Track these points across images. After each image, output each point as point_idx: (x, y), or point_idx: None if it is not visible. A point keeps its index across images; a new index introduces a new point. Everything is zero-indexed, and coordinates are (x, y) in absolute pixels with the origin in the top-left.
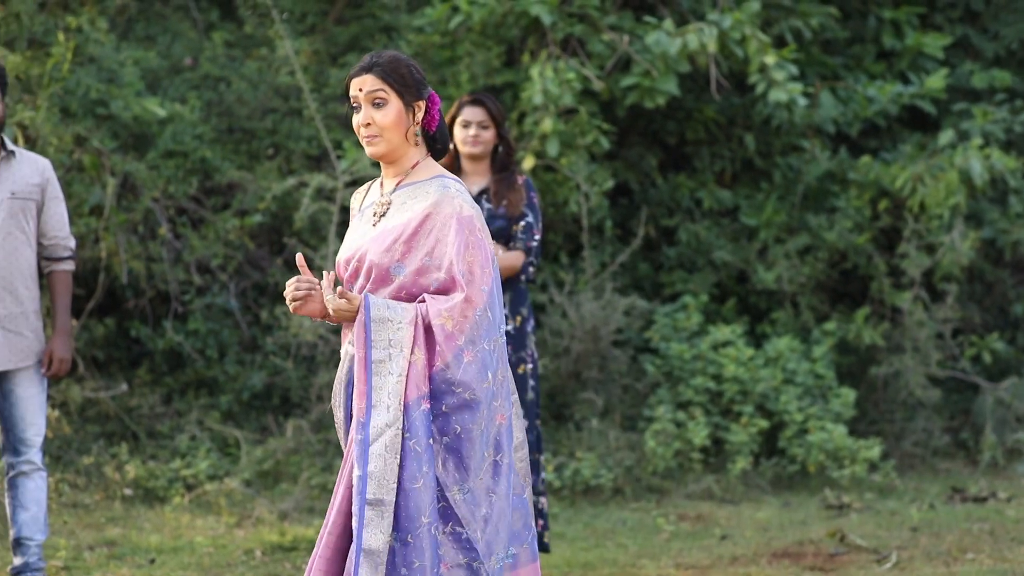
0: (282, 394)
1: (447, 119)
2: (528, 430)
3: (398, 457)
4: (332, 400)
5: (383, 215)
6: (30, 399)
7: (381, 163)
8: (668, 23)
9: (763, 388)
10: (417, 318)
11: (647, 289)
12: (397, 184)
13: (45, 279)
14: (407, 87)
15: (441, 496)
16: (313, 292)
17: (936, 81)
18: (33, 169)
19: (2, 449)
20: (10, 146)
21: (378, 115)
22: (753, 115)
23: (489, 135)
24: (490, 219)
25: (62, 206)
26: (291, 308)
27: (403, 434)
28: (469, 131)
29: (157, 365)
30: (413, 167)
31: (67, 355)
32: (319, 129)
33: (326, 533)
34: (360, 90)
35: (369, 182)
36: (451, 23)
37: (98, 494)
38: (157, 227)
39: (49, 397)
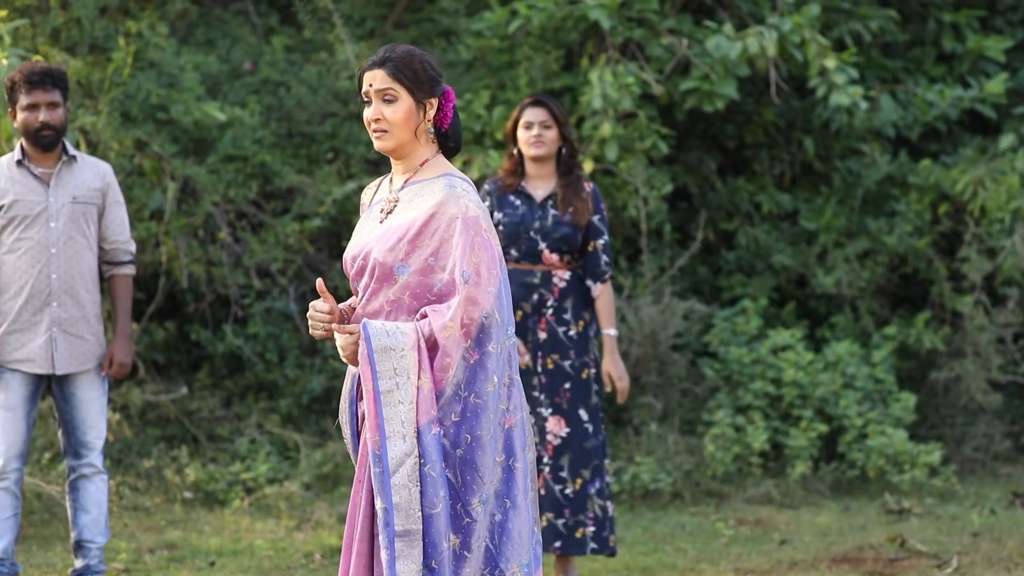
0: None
1: (509, 124)
2: (593, 435)
3: (419, 485)
4: (340, 416)
5: (390, 212)
6: (91, 402)
7: (391, 159)
8: (728, 27)
9: (823, 392)
10: (419, 341)
11: (706, 293)
12: (405, 181)
13: (106, 283)
14: (419, 84)
15: (463, 512)
16: (329, 324)
17: (996, 85)
18: (94, 174)
19: (63, 452)
20: (71, 151)
21: (388, 111)
22: (813, 118)
23: (552, 135)
24: (555, 225)
25: (123, 210)
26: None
27: (419, 460)
28: (532, 131)
29: (217, 369)
30: (422, 164)
31: (127, 359)
32: None
33: (353, 558)
34: (371, 85)
35: (380, 178)
36: (510, 27)
37: (158, 497)
38: (217, 231)
39: (110, 400)
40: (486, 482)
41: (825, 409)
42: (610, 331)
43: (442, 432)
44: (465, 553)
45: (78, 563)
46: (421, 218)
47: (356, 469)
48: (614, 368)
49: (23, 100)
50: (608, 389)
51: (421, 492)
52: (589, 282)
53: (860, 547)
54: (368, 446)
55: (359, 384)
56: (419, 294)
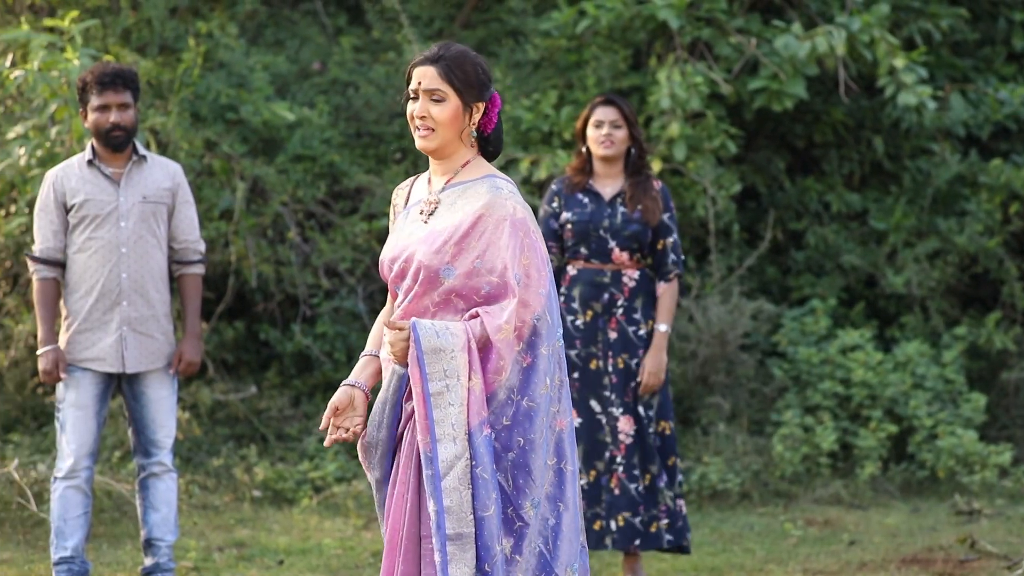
0: None
1: (579, 122)
2: (660, 433)
3: (470, 488)
4: (371, 419)
5: (431, 214)
6: (161, 401)
7: (430, 158)
8: (796, 26)
9: (892, 393)
10: (469, 342)
11: (774, 293)
12: (447, 182)
13: (175, 282)
14: (469, 87)
15: (515, 516)
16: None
17: None
18: (164, 174)
19: (133, 451)
20: (142, 151)
21: (435, 109)
22: (882, 118)
23: (622, 135)
24: (624, 223)
25: (192, 210)
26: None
27: (470, 463)
28: (601, 131)
29: (286, 368)
30: (464, 165)
31: (196, 358)
32: None
33: (399, 563)
34: (420, 82)
35: (411, 178)
36: (578, 27)
37: (227, 496)
38: (286, 231)
39: (180, 399)
40: (538, 485)
41: (895, 409)
42: (662, 326)
43: (493, 435)
44: (517, 557)
45: (148, 561)
46: (468, 220)
47: (400, 470)
48: (651, 361)
49: (94, 101)
50: (637, 379)
51: (474, 494)
52: (657, 280)
53: (930, 548)
54: (419, 448)
55: (406, 384)
56: (466, 296)
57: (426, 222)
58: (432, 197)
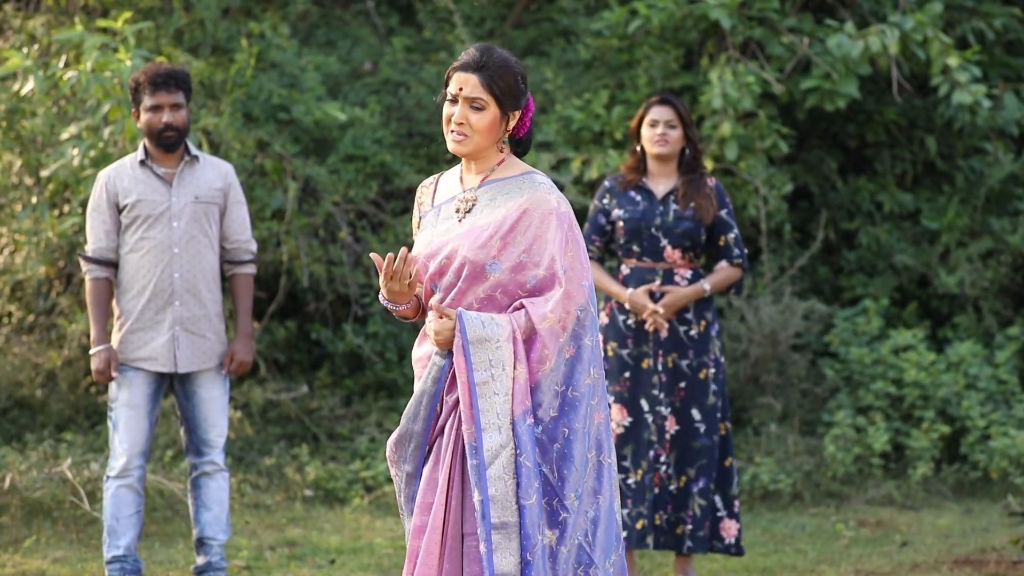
0: None
1: (634, 121)
2: (705, 435)
3: (515, 477)
4: (407, 411)
5: (468, 211)
6: (213, 400)
7: (462, 158)
8: (849, 25)
9: (945, 393)
10: (514, 332)
11: (826, 293)
12: (483, 180)
13: (227, 282)
14: (509, 96)
15: (559, 507)
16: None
17: None
18: (216, 174)
19: (185, 450)
20: (194, 151)
21: (473, 117)
22: (935, 117)
23: (676, 135)
24: (676, 221)
25: (244, 210)
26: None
27: (515, 451)
28: (656, 130)
29: (337, 367)
30: (499, 163)
31: (248, 357)
32: None
33: (444, 561)
34: (461, 89)
35: (434, 177)
36: (630, 26)
37: (279, 495)
38: (337, 231)
39: (232, 399)
40: (581, 475)
41: (947, 410)
42: (705, 285)
43: (538, 426)
44: (561, 548)
45: (200, 560)
46: (513, 215)
47: (443, 465)
48: (676, 299)
49: (147, 101)
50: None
51: (518, 483)
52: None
53: (982, 549)
54: (464, 438)
55: (446, 376)
56: (511, 291)
57: (462, 219)
58: (468, 194)
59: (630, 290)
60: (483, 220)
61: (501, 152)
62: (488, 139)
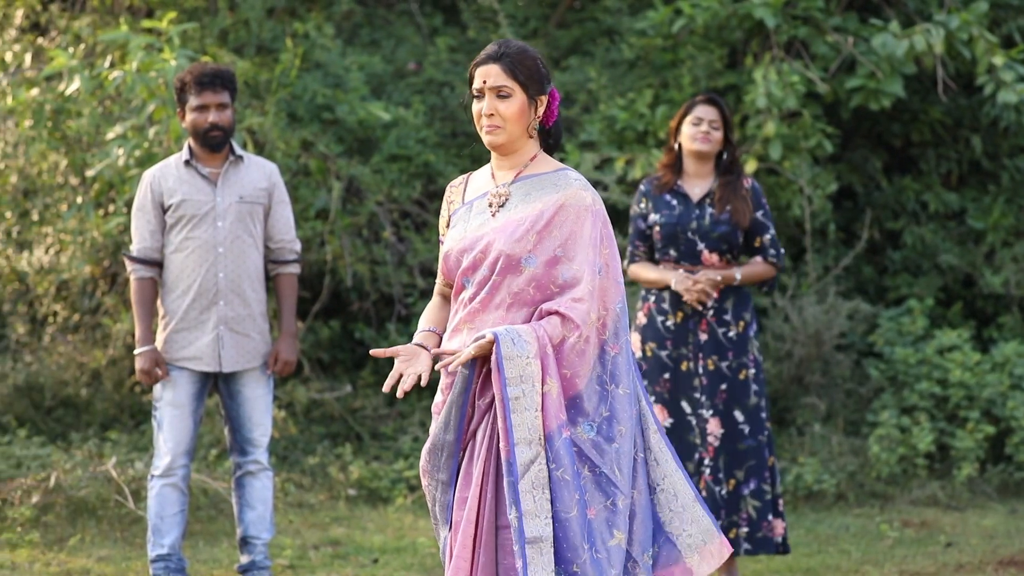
0: None
1: (675, 119)
2: (750, 435)
3: (547, 491)
4: (439, 422)
5: (502, 206)
6: (257, 400)
7: (495, 154)
8: (894, 24)
9: (990, 393)
10: (542, 348)
11: (871, 293)
12: (516, 175)
13: (271, 282)
14: (533, 81)
15: (611, 507)
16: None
17: None
18: (260, 173)
19: (229, 449)
20: (238, 151)
21: (502, 106)
22: (980, 116)
23: (719, 136)
24: (712, 225)
25: (288, 210)
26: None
27: (548, 466)
28: (700, 127)
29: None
30: (532, 159)
31: (292, 357)
32: None
33: (480, 553)
34: (485, 81)
35: (463, 176)
36: (674, 26)
37: (323, 494)
38: (381, 230)
39: (275, 398)
40: (633, 470)
41: (992, 410)
42: (737, 274)
43: (592, 430)
44: (631, 549)
45: (244, 559)
46: (549, 209)
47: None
48: (704, 276)
49: (193, 101)
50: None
51: (555, 497)
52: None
53: None
54: (502, 455)
55: (471, 385)
56: (543, 285)
57: (495, 214)
58: (502, 189)
59: (672, 277)
60: (518, 214)
61: (531, 138)
62: (520, 126)
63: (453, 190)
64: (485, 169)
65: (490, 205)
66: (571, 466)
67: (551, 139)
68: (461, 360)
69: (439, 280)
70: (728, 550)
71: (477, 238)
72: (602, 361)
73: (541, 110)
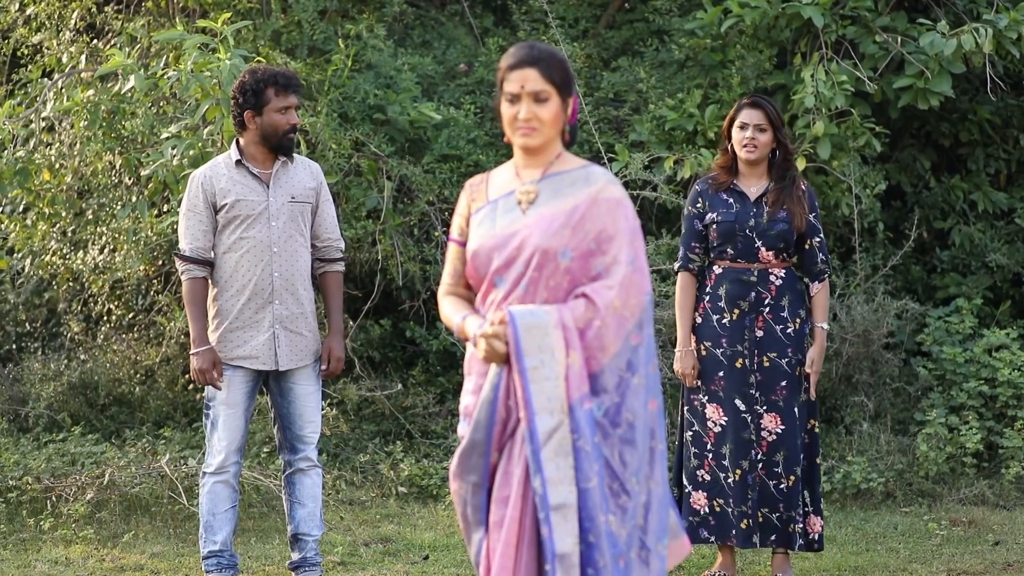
0: None
1: (726, 122)
2: (804, 431)
3: (571, 458)
4: (472, 421)
5: (532, 203)
6: (308, 397)
7: (523, 153)
8: (943, 24)
9: None
10: (563, 320)
11: (919, 292)
12: (544, 173)
13: (317, 280)
14: (565, 84)
15: (621, 490)
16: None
17: None
18: (308, 173)
19: (279, 447)
20: None
21: (540, 110)
22: None
23: (766, 138)
24: (770, 223)
25: (332, 208)
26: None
27: (571, 435)
28: (745, 133)
29: (431, 365)
30: (557, 157)
31: (343, 354)
32: (591, 132)
33: (503, 540)
34: (523, 86)
35: (483, 174)
36: (723, 26)
37: (373, 491)
38: (432, 230)
39: (326, 396)
40: (642, 460)
41: None
42: (823, 324)
43: (601, 411)
44: (621, 532)
45: (295, 556)
46: (583, 204)
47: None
48: (819, 359)
49: (275, 102)
50: (806, 384)
51: (577, 466)
52: (808, 280)
53: None
54: (522, 425)
55: (506, 380)
56: (577, 279)
57: (526, 211)
58: (530, 187)
59: (681, 354)
60: (551, 209)
61: (563, 138)
62: (555, 129)
63: (475, 188)
64: (505, 168)
65: (519, 202)
66: (591, 437)
67: (565, 135)
68: (488, 334)
69: (452, 280)
70: (688, 550)
71: (509, 235)
72: (623, 350)
73: (570, 111)
